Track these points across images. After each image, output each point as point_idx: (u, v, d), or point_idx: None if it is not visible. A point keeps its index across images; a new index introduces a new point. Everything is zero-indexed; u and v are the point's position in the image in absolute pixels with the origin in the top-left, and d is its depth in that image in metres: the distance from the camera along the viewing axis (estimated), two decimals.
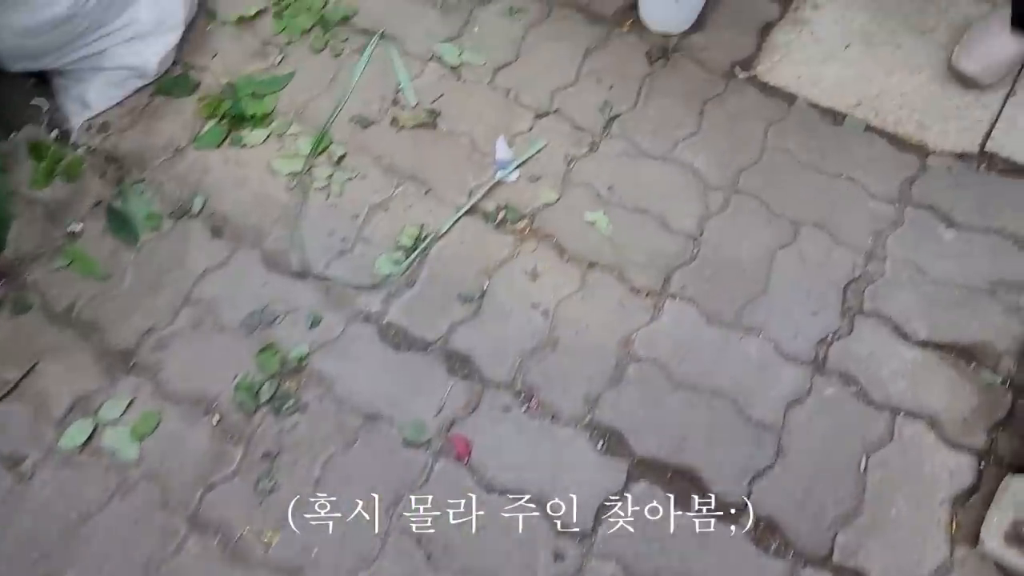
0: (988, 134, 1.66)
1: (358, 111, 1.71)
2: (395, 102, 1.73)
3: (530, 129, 1.69)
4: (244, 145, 1.66)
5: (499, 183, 1.62)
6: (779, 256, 1.52)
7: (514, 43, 1.79)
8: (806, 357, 1.42)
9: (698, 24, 1.79)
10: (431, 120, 1.70)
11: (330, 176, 1.63)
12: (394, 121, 1.70)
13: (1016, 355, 1.42)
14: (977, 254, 1.52)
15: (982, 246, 1.53)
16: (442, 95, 1.73)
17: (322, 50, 1.79)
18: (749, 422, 1.37)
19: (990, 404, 1.38)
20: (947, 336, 1.44)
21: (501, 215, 1.59)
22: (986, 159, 1.63)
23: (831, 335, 1.44)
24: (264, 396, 1.40)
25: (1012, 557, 1.21)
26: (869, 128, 1.68)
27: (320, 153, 1.65)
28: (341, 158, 1.65)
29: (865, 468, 1.33)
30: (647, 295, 1.49)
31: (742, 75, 1.75)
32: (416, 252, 1.54)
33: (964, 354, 1.43)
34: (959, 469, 1.32)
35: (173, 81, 1.73)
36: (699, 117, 1.69)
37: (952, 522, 1.28)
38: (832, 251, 1.53)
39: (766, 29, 1.81)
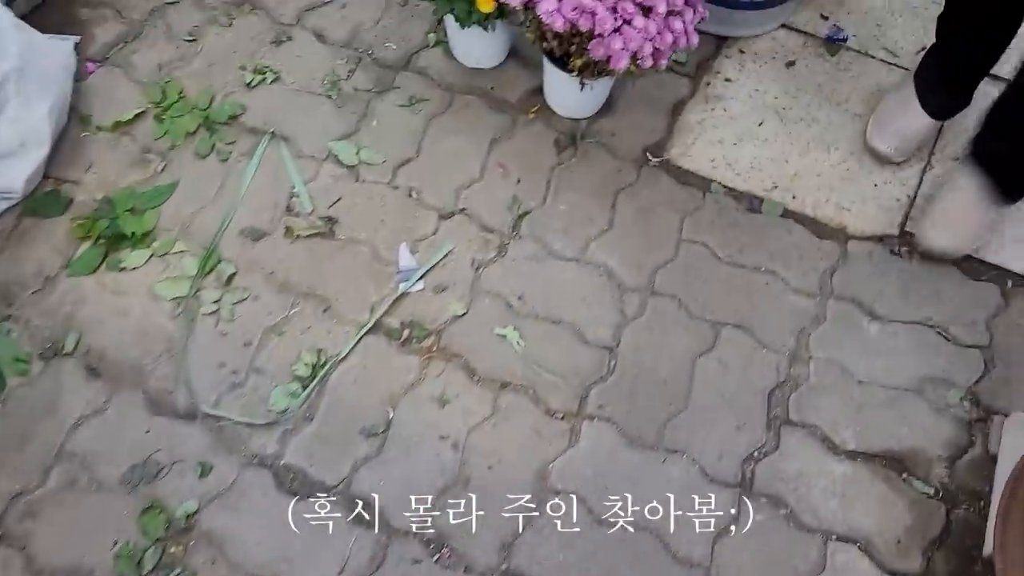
0: (907, 215, 1.61)
1: (248, 222, 1.59)
2: (289, 209, 1.61)
3: (434, 232, 1.58)
4: (123, 268, 1.53)
5: (403, 295, 1.51)
6: (700, 364, 1.45)
7: (415, 136, 1.69)
8: (732, 479, 1.35)
9: (607, 107, 1.71)
10: (328, 228, 1.59)
11: (219, 299, 1.50)
12: (288, 231, 1.58)
13: (947, 460, 1.36)
14: (903, 349, 1.47)
15: (907, 339, 1.48)
16: (339, 199, 1.62)
17: (208, 155, 1.66)
18: (676, 559, 1.28)
19: (924, 520, 1.31)
20: (876, 444, 1.38)
21: (406, 333, 1.48)
22: (906, 241, 1.58)
23: (757, 451, 1.37)
24: (147, 565, 1.27)
25: None
26: (787, 213, 1.61)
27: (207, 273, 1.53)
28: (231, 277, 1.53)
29: None
30: (563, 418, 1.40)
31: (654, 161, 1.67)
32: (314, 382, 1.42)
33: (895, 464, 1.36)
34: None
35: (42, 199, 1.59)
36: (611, 211, 1.61)
37: None
38: (754, 354, 1.46)
39: (678, 108, 1.74)
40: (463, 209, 1.61)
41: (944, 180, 1.60)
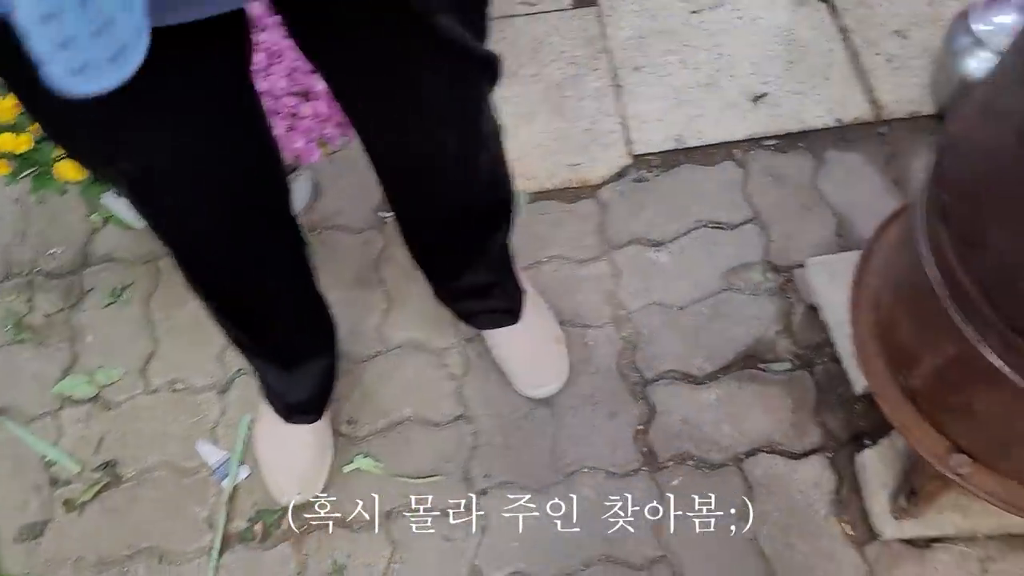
0: (629, 138, 1.66)
1: (17, 523, 1.33)
2: (55, 482, 1.37)
3: (224, 411, 1.42)
4: None
5: (234, 491, 1.34)
6: None
7: (142, 327, 1.50)
8: (636, 463, 1.34)
9: (315, 191, 1.60)
10: (111, 476, 1.37)
11: None
12: (68, 504, 1.35)
13: (784, 332, 1.44)
14: (695, 258, 1.52)
15: (693, 248, 1.53)
16: (103, 438, 1.40)
17: None
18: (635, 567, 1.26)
19: (799, 395, 1.38)
20: (725, 354, 1.42)
21: (259, 528, 1.32)
22: (642, 163, 1.63)
23: (640, 425, 1.37)
24: None
25: (912, 528, 1.23)
26: (535, 197, 1.60)
27: None
28: None
29: (753, 535, 1.27)
30: (462, 508, 1.32)
31: (390, 216, 1.60)
32: None
33: (749, 361, 1.42)
34: (819, 476, 1.31)
35: None
36: (381, 285, 1.52)
37: (844, 531, 1.27)
38: (588, 338, 1.45)
39: None
40: (238, 370, 1.45)
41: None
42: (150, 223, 0.92)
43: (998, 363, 0.88)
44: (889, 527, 1.23)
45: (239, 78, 0.84)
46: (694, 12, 1.85)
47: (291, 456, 1.29)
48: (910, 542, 1.24)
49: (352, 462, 1.35)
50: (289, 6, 0.80)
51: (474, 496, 1.32)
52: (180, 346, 1.47)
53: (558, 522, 1.29)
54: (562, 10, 1.86)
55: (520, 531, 1.29)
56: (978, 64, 1.50)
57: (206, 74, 0.77)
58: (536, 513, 1.30)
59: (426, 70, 0.85)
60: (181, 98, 0.75)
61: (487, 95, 0.97)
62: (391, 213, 1.57)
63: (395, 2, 0.76)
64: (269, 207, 0.99)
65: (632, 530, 1.28)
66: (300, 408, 1.27)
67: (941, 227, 0.92)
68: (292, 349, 1.20)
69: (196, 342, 1.47)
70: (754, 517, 1.28)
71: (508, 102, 1.69)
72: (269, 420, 1.31)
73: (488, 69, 0.93)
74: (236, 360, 1.44)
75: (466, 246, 1.19)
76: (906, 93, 1.69)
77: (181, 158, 0.80)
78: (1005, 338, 0.86)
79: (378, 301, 1.50)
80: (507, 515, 1.30)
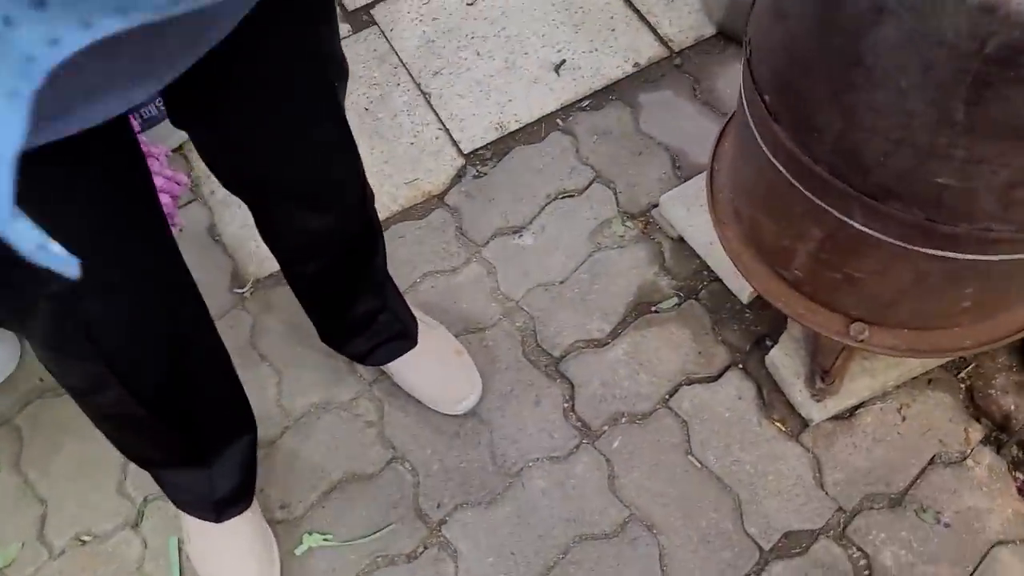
0: (454, 140, 1.67)
1: None
2: None
3: (145, 547, 1.31)
4: None
5: None
6: None
7: (23, 492, 1.36)
8: (575, 439, 1.35)
9: None
10: None
11: None
12: None
13: (663, 270, 1.50)
14: (557, 231, 1.55)
15: (552, 222, 1.56)
16: None
17: None
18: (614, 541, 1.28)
19: (695, 322, 1.44)
20: (618, 310, 1.47)
21: None
22: (476, 158, 1.65)
23: (565, 404, 1.39)
24: None
25: (835, 405, 1.31)
26: (386, 223, 1.58)
27: None
28: None
29: (702, 464, 1.32)
30: (424, 549, 1.29)
31: (247, 290, 1.53)
32: None
33: (642, 308, 1.47)
34: (740, 389, 1.38)
35: None
36: (263, 360, 1.45)
37: (779, 429, 1.34)
38: (488, 338, 1.45)
39: (212, 230, 1.59)
40: (146, 497, 1.35)
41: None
42: (70, 350, 0.87)
43: (865, 230, 0.96)
44: (815, 411, 1.31)
45: (135, 182, 0.82)
46: (470, 4, 1.88)
47: (236, 558, 1.22)
48: (836, 417, 1.33)
49: (301, 543, 1.29)
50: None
51: (434, 530, 1.29)
52: (71, 496, 1.35)
53: (524, 522, 1.29)
54: (344, 38, 1.84)
55: (491, 544, 1.27)
56: None
57: (103, 183, 0.75)
58: (500, 521, 1.29)
59: (312, 86, 0.87)
60: (90, 199, 0.73)
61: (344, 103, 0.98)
62: (248, 287, 1.52)
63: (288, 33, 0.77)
64: (189, 296, 0.97)
65: (594, 502, 1.29)
66: (231, 499, 1.20)
67: (775, 127, 0.98)
68: (217, 435, 1.13)
69: (87, 486, 1.35)
70: (697, 447, 1.33)
71: None
72: (199, 531, 1.23)
73: (347, 74, 0.95)
74: (140, 487, 1.34)
75: (350, 273, 1.18)
76: (686, 22, 1.80)
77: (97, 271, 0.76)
78: (864, 205, 0.93)
79: (267, 377, 1.44)
80: (473, 534, 1.28)
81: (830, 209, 0.98)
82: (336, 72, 0.92)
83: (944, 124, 0.80)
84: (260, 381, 1.43)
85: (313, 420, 1.40)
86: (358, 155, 1.07)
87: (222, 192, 1.60)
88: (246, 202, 1.05)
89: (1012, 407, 1.32)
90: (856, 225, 0.96)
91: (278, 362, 1.45)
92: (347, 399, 1.41)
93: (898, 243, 0.94)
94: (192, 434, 1.10)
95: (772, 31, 0.96)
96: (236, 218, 1.59)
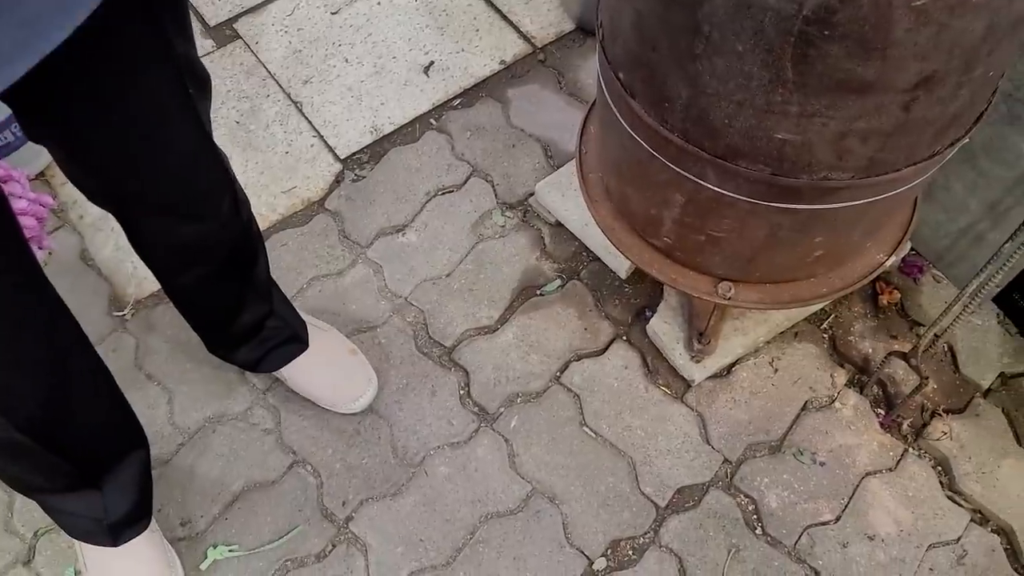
0: (332, 148, 1.68)
1: None
2: None
3: None
4: None
5: None
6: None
7: None
8: (473, 425, 1.38)
9: None
10: None
11: None
12: None
13: (546, 256, 1.55)
14: (438, 224, 1.58)
15: (433, 218, 1.59)
16: None
17: None
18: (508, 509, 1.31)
19: (577, 301, 1.50)
20: (502, 295, 1.51)
21: None
22: (347, 166, 1.66)
23: (460, 392, 1.42)
24: None
25: (713, 364, 1.39)
26: (270, 233, 1.58)
27: None
28: None
29: (596, 433, 1.38)
30: (328, 551, 1.29)
31: (127, 312, 1.49)
32: None
33: (525, 292, 1.51)
34: (625, 359, 1.44)
35: None
36: (161, 388, 1.42)
37: (664, 393, 1.41)
38: (375, 353, 1.46)
39: (84, 254, 1.54)
40: (37, 531, 1.29)
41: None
42: None
43: (720, 190, 1.03)
44: (696, 372, 1.39)
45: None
46: (334, 13, 1.90)
47: None
48: (715, 376, 1.42)
49: (206, 558, 1.27)
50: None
51: (341, 527, 1.30)
52: None
53: (430, 509, 1.31)
54: (209, 54, 1.82)
55: (399, 534, 1.29)
56: None
57: None
58: (406, 511, 1.31)
59: (167, 92, 0.86)
60: None
61: (209, 114, 0.97)
62: (128, 309, 1.48)
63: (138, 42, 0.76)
64: (62, 319, 0.95)
65: (497, 481, 1.33)
66: (126, 520, 1.16)
67: (631, 101, 1.05)
68: (105, 456, 1.10)
69: None
70: (590, 417, 1.38)
71: None
72: (97, 558, 1.19)
73: (209, 85, 0.94)
74: (29, 522, 1.28)
75: (231, 282, 1.16)
76: (547, 19, 1.87)
77: None
78: (716, 167, 1.00)
79: (157, 397, 1.40)
80: (380, 527, 1.29)
81: (687, 174, 1.05)
82: (193, 79, 0.91)
83: (777, 83, 0.88)
84: (150, 401, 1.40)
85: (208, 434, 1.37)
86: (225, 163, 1.06)
87: (92, 216, 1.57)
88: (114, 215, 1.03)
89: (869, 350, 1.44)
90: (711, 187, 1.04)
91: (167, 380, 1.42)
92: (241, 409, 1.39)
93: (749, 200, 1.02)
94: (78, 457, 1.07)
95: (621, 11, 1.03)
96: (109, 241, 1.55)
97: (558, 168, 1.58)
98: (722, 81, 0.91)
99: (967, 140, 1.01)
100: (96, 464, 1.10)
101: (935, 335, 1.31)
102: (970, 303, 1.24)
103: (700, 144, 0.99)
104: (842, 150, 0.93)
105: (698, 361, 1.39)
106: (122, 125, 0.85)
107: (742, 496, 1.33)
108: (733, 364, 1.42)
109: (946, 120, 0.94)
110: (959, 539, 1.29)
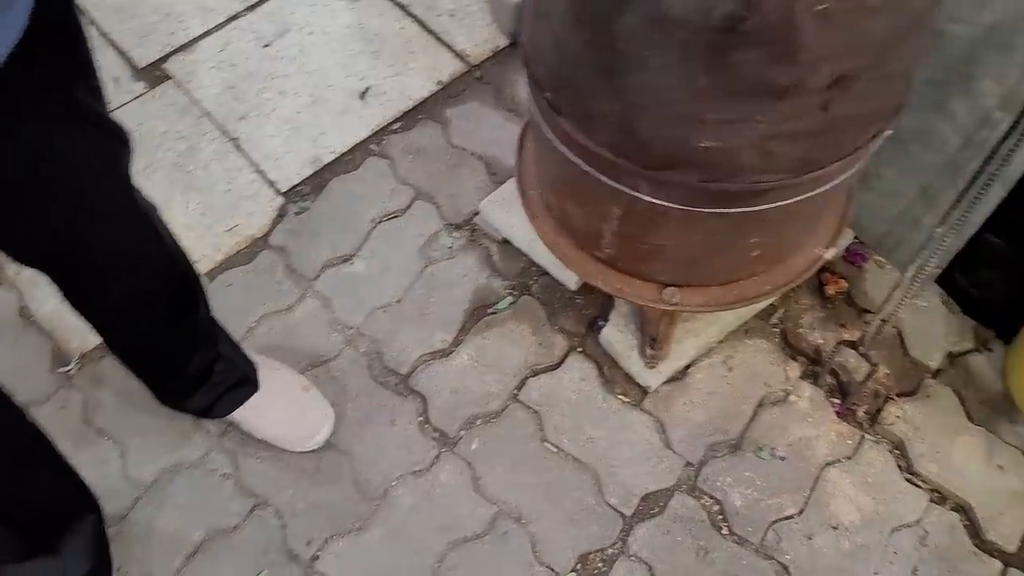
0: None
1: None
2: None
3: None
4: None
5: None
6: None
7: None
8: (434, 451, 1.38)
9: None
10: None
11: None
12: None
13: (495, 272, 1.55)
14: (385, 249, 1.58)
15: (380, 246, 1.58)
16: None
17: None
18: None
19: (530, 317, 1.50)
20: (457, 318, 1.50)
21: None
22: (291, 199, 1.65)
23: (420, 422, 1.41)
24: None
25: (667, 368, 1.40)
26: (211, 274, 1.56)
27: None
28: None
29: (558, 448, 1.38)
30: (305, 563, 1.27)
31: (72, 368, 1.46)
32: None
33: (478, 312, 1.51)
34: (581, 371, 1.45)
35: None
36: (110, 439, 1.39)
37: (623, 401, 1.42)
38: (333, 389, 1.45)
39: (23, 312, 1.51)
40: None
41: None
42: None
43: (654, 201, 1.04)
44: (652, 378, 1.40)
45: None
46: (266, 46, 1.88)
47: None
48: (671, 380, 1.42)
49: None
50: None
51: (308, 568, 1.28)
52: None
53: (397, 540, 1.30)
54: (140, 96, 1.79)
55: (368, 569, 1.27)
56: None
57: None
58: (373, 545, 1.29)
59: (80, 152, 0.84)
60: None
61: (130, 170, 0.95)
62: (73, 364, 1.45)
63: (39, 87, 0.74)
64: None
65: (462, 506, 1.32)
66: None
67: (560, 120, 1.05)
68: (54, 524, 1.07)
69: None
70: (551, 433, 1.38)
71: None
72: None
73: (126, 139, 0.92)
74: None
75: (173, 331, 1.15)
76: (480, 36, 1.87)
77: None
78: (648, 179, 1.01)
79: (109, 451, 1.38)
80: (348, 564, 1.28)
81: (621, 187, 1.05)
82: (109, 137, 0.89)
83: (696, 93, 0.88)
84: (102, 456, 1.37)
85: (165, 485, 1.35)
86: (152, 216, 1.03)
87: (29, 271, 1.53)
88: (45, 274, 1.01)
89: (820, 341, 1.46)
90: (646, 198, 1.04)
91: (118, 434, 1.39)
92: (197, 456, 1.37)
93: (683, 207, 1.03)
94: (26, 528, 1.04)
95: (540, 32, 1.03)
96: (49, 296, 1.52)
97: (501, 184, 1.58)
98: (644, 95, 0.92)
99: (891, 132, 1.03)
100: (48, 532, 1.07)
101: (882, 321, 1.33)
102: (911, 287, 1.26)
103: (630, 157, 1.00)
104: (768, 153, 0.94)
105: (653, 367, 1.39)
106: (34, 188, 0.83)
107: (706, 497, 1.33)
108: (688, 366, 1.43)
109: (866, 115, 0.96)
110: (920, 520, 1.31)
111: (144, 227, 1.01)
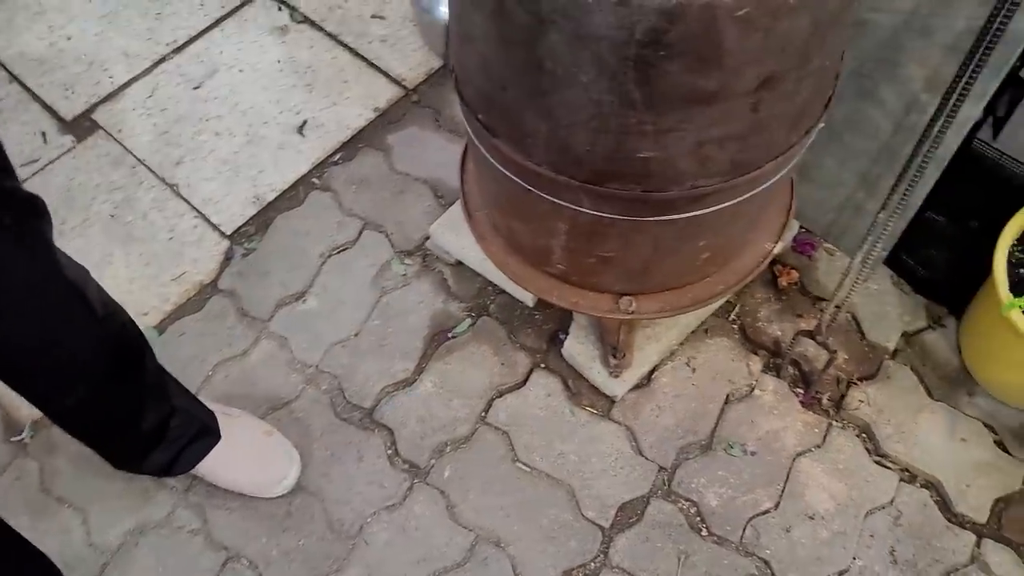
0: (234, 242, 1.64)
1: None
2: None
3: None
4: None
5: None
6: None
7: None
8: (406, 483, 1.36)
9: None
10: None
11: None
12: None
13: (449, 296, 1.54)
14: (339, 287, 1.56)
15: (333, 280, 1.56)
16: None
17: None
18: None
19: (491, 337, 1.49)
20: (417, 345, 1.49)
21: None
22: (241, 238, 1.62)
23: (389, 455, 1.39)
24: None
25: (631, 376, 1.40)
26: (160, 327, 1.52)
27: None
28: None
29: (531, 467, 1.37)
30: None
31: None
32: None
33: (438, 337, 1.50)
34: (547, 387, 1.44)
35: None
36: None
37: (591, 413, 1.41)
38: (288, 431, 1.42)
39: None
40: None
41: None
42: None
43: (598, 213, 1.04)
44: (617, 387, 1.39)
45: None
46: (196, 88, 1.85)
47: None
48: (637, 387, 1.42)
49: None
50: None
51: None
52: None
53: None
54: (70, 150, 1.75)
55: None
56: (447, 5, 1.70)
57: None
58: None
59: None
60: None
61: (51, 237, 0.92)
62: (26, 432, 1.41)
63: None
64: None
65: (438, 536, 1.30)
66: None
67: (495, 140, 1.04)
68: None
69: None
70: (522, 452, 1.37)
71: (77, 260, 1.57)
72: None
73: (41, 209, 0.90)
74: None
75: (119, 391, 1.11)
76: (413, 59, 1.86)
77: None
78: (589, 192, 1.01)
79: (70, 519, 1.34)
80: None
81: (563, 203, 1.05)
82: (18, 210, 0.86)
83: (627, 106, 0.88)
84: (64, 525, 1.33)
85: (131, 548, 1.31)
86: (79, 283, 0.99)
87: None
88: None
89: (778, 333, 1.47)
90: (589, 211, 1.04)
91: (78, 500, 1.35)
92: (163, 515, 1.34)
93: (627, 218, 1.03)
94: None
95: (467, 54, 1.03)
96: None
97: (449, 207, 1.57)
98: (575, 112, 0.91)
99: (822, 125, 1.04)
100: None
101: (836, 307, 1.35)
102: (861, 272, 1.27)
103: (568, 173, 0.99)
104: (703, 158, 0.95)
105: (617, 376, 1.39)
106: None
107: (683, 501, 1.33)
108: (652, 372, 1.43)
109: (796, 112, 0.96)
110: (892, 501, 1.32)
111: (70, 304, 0.97)
